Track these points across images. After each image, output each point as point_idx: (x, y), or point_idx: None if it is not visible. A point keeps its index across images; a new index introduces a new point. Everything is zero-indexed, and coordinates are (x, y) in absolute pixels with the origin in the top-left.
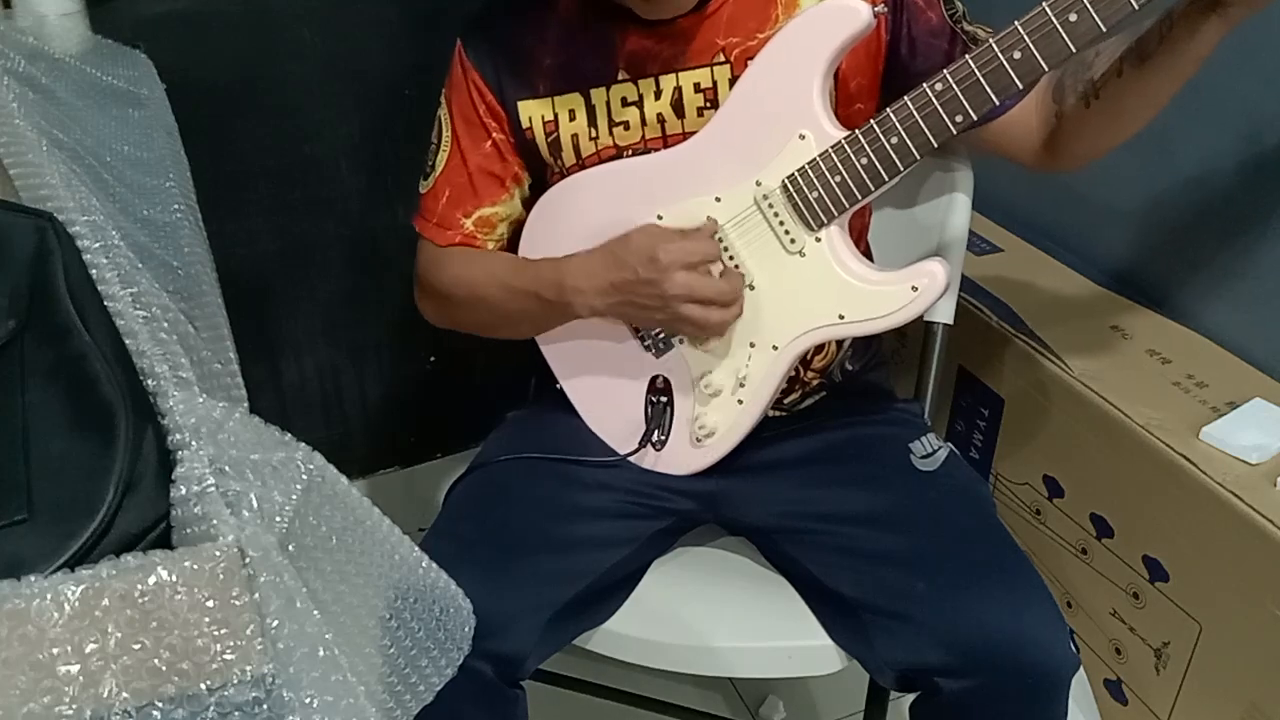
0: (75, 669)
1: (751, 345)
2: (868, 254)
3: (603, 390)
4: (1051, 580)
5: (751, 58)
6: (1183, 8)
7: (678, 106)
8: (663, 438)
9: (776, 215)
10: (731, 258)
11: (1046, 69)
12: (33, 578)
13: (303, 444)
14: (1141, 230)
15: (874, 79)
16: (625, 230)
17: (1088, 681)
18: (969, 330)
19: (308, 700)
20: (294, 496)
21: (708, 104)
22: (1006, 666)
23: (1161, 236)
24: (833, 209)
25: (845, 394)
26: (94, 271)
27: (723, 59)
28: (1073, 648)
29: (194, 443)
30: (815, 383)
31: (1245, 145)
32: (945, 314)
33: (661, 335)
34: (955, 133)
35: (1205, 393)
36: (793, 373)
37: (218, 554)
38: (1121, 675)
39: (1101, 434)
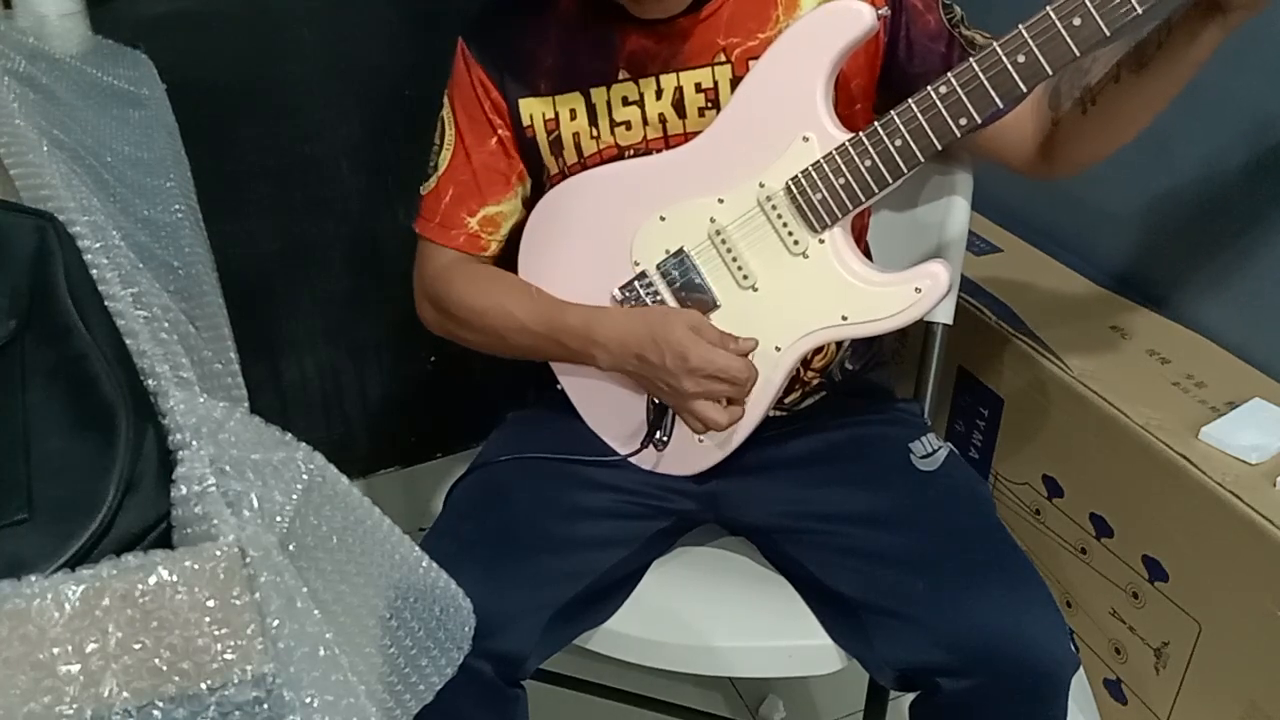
0: (76, 669)
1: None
2: (867, 254)
3: (604, 391)
4: (1051, 580)
5: (752, 58)
6: (1182, 14)
7: (679, 106)
8: (664, 438)
9: (780, 217)
10: (735, 259)
11: (1050, 72)
12: (33, 577)
13: (303, 444)
14: (1141, 230)
15: (871, 80)
16: (620, 235)
17: (1087, 681)
18: (969, 330)
19: (308, 700)
20: (294, 496)
21: (709, 104)
22: (1006, 666)
23: (1161, 237)
24: (836, 211)
25: (845, 394)
26: (95, 271)
27: (723, 59)
28: (1072, 647)
29: (195, 442)
30: (815, 382)
31: (1244, 145)
32: (945, 314)
33: None
34: (959, 135)
35: (1204, 392)
36: (793, 373)
37: (218, 554)
38: (1121, 675)
39: (1101, 434)
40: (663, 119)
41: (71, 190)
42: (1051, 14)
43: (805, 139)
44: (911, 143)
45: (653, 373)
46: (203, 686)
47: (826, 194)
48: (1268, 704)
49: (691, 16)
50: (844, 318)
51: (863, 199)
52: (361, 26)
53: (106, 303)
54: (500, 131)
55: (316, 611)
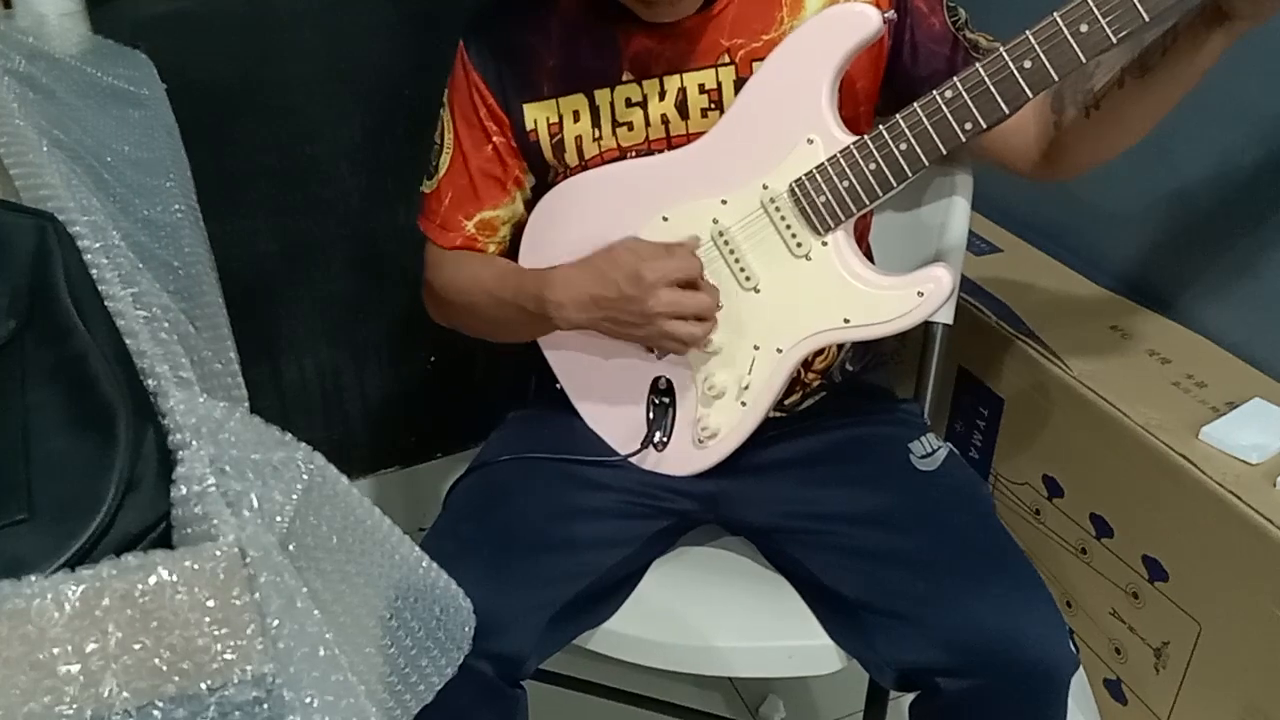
0: (76, 669)
1: (755, 348)
2: (869, 255)
3: (604, 391)
4: (1051, 580)
5: (756, 59)
6: (1187, 21)
7: (682, 107)
8: (664, 439)
9: (783, 219)
10: (737, 260)
11: (1057, 79)
12: (33, 577)
13: (303, 444)
14: (1141, 231)
15: (875, 83)
16: (621, 235)
17: (1087, 681)
18: (969, 331)
19: (308, 700)
20: (294, 496)
21: (712, 105)
22: (1006, 666)
23: (1161, 237)
24: (840, 213)
25: (845, 394)
26: (94, 271)
27: (727, 60)
28: (1072, 647)
29: (194, 442)
30: (816, 384)
31: (1244, 145)
32: (945, 314)
33: None
34: (963, 139)
35: (1205, 393)
36: (794, 374)
37: (218, 554)
38: (1121, 675)
39: (1101, 434)
40: (665, 120)
41: (71, 190)
42: (1058, 20)
43: (810, 141)
44: (916, 146)
45: (614, 309)
46: (202, 687)
47: (830, 196)
48: (1267, 704)
49: (697, 17)
50: (846, 320)
51: (866, 202)
52: (361, 26)
53: (106, 303)
54: (495, 139)
55: (316, 611)
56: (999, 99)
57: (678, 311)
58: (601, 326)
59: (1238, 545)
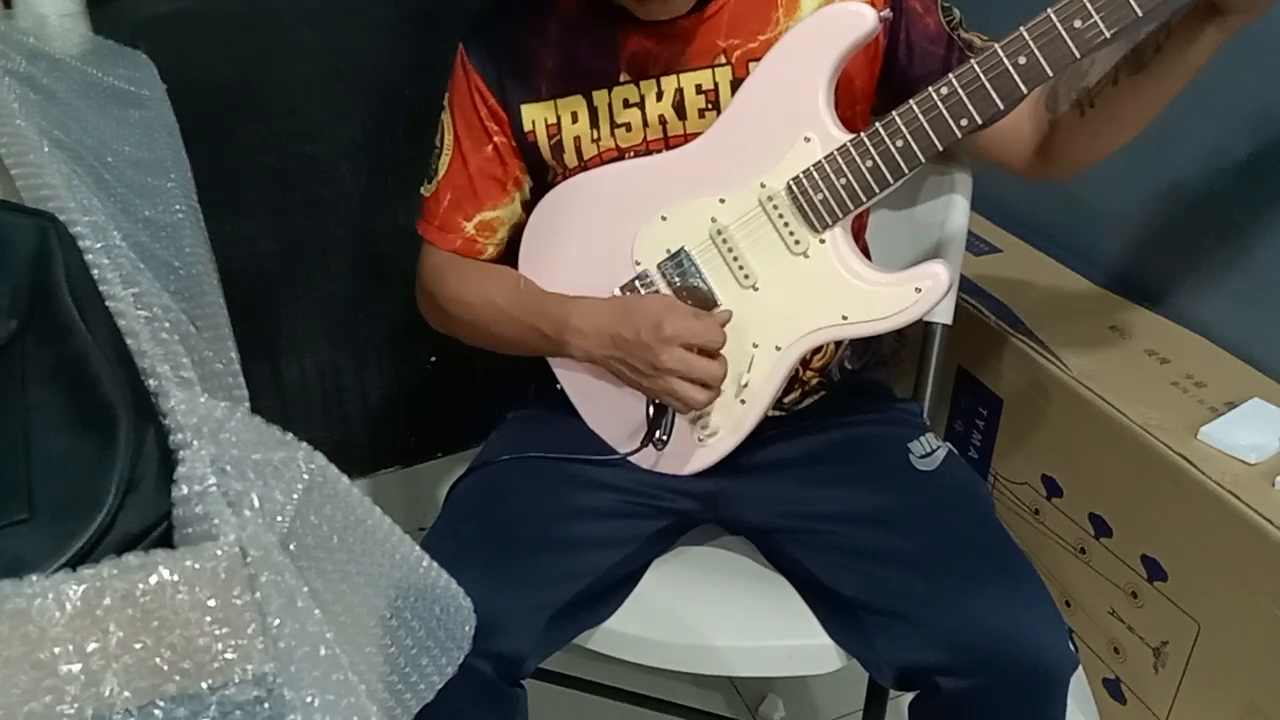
0: (77, 668)
1: (754, 346)
2: (865, 252)
3: (603, 391)
4: (1050, 580)
5: (752, 59)
6: (1181, 16)
7: (679, 108)
8: (664, 438)
9: (781, 216)
10: (736, 259)
11: (1050, 74)
12: (34, 577)
13: (304, 443)
14: (1140, 230)
15: (871, 82)
16: (620, 235)
17: (1086, 681)
18: (968, 330)
19: (309, 699)
20: (295, 496)
21: (709, 105)
22: (1005, 665)
23: (1160, 236)
24: (837, 211)
25: (844, 393)
26: (95, 271)
27: (724, 60)
28: (1071, 647)
29: (195, 442)
30: (815, 382)
31: (1243, 144)
32: (944, 314)
33: None
34: (959, 136)
35: (1204, 392)
36: (793, 372)
37: (219, 553)
38: (1120, 674)
39: (1100, 434)
40: (663, 120)
41: (72, 190)
42: (1052, 16)
43: (807, 139)
44: (912, 143)
45: (628, 350)
46: (203, 686)
47: (828, 194)
48: (1266, 703)
49: (694, 18)
50: (844, 317)
51: (864, 199)
52: (361, 26)
53: (107, 303)
54: (496, 138)
55: (317, 611)
56: (994, 95)
57: (686, 373)
58: (612, 365)
59: (1237, 545)
